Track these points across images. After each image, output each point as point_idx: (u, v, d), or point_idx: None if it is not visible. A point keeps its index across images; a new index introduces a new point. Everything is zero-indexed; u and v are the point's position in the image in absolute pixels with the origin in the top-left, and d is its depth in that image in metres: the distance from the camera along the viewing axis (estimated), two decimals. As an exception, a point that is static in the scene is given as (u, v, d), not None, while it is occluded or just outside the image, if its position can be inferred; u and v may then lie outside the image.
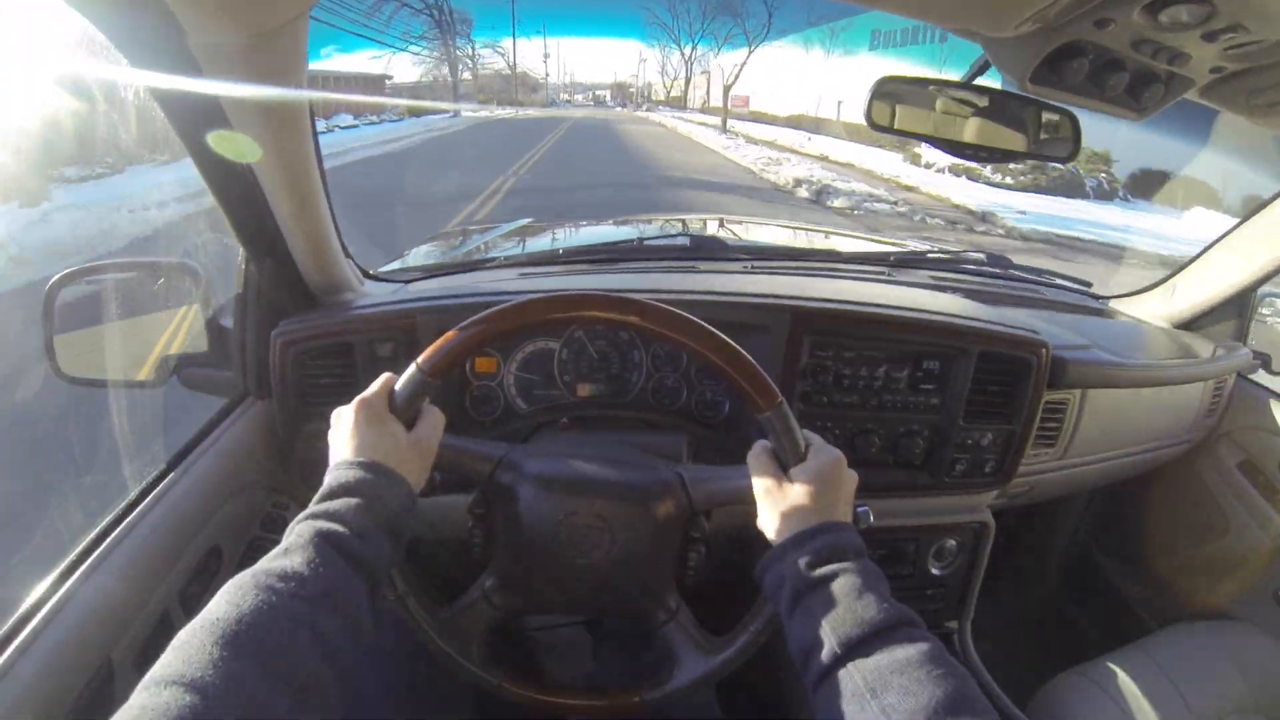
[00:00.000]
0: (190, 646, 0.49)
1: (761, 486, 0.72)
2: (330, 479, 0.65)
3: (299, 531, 0.60)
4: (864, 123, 0.90)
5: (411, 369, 0.72)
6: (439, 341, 0.73)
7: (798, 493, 0.69)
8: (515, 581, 0.82)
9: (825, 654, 0.59)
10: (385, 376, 0.74)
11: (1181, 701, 1.21)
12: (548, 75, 60.13)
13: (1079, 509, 1.83)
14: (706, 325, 0.73)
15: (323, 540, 0.59)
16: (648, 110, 53.53)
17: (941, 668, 0.55)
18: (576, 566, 0.79)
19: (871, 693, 0.54)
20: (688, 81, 53.35)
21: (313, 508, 0.63)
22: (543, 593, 0.83)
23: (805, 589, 0.63)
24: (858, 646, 0.58)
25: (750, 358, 0.72)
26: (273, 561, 0.57)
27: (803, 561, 0.64)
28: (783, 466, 0.72)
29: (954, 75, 0.89)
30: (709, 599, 0.89)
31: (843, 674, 0.57)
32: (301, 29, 0.74)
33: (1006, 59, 0.73)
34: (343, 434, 0.70)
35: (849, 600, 0.60)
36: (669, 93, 60.71)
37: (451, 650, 0.80)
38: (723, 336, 0.72)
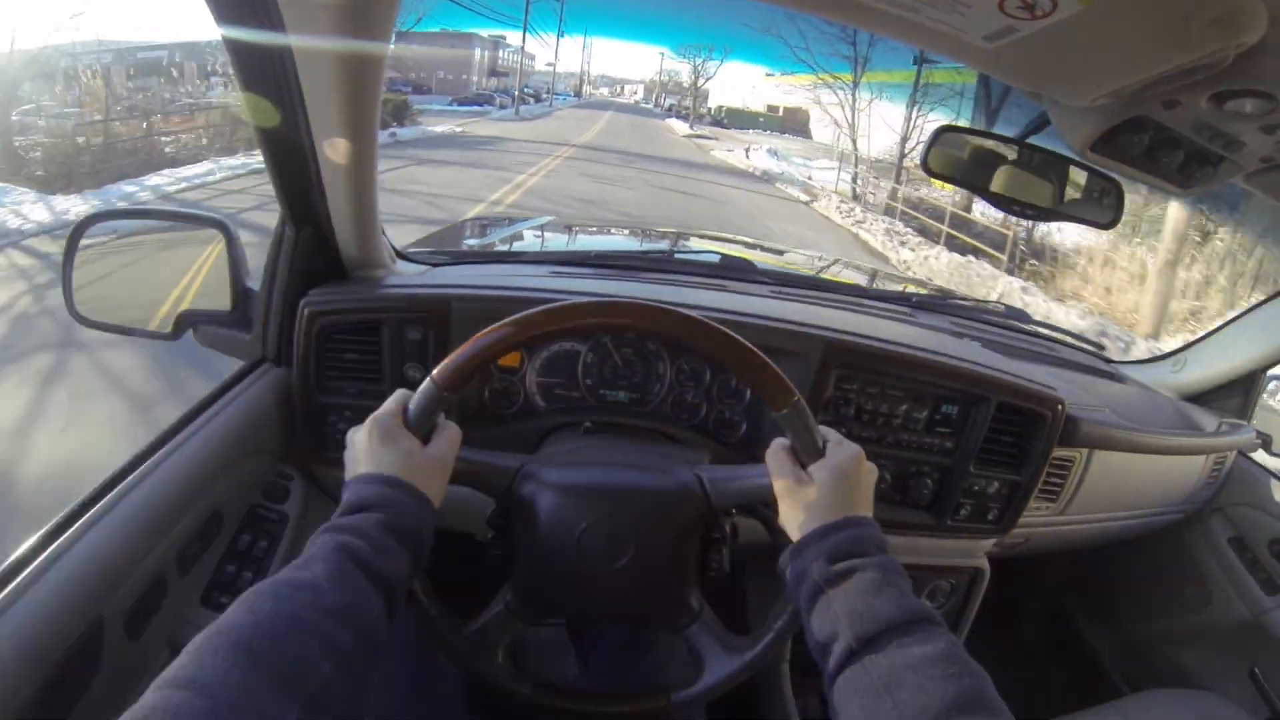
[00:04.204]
0: (204, 650, 0.49)
1: (781, 484, 0.72)
2: (349, 494, 0.66)
3: (319, 544, 0.60)
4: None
5: (426, 383, 0.71)
6: (455, 353, 0.72)
7: (818, 489, 0.69)
8: (537, 592, 0.82)
9: (841, 649, 0.59)
10: (399, 393, 0.73)
11: None
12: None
13: (1064, 566, 1.85)
14: (724, 329, 0.73)
15: (343, 554, 0.59)
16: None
17: (956, 666, 0.55)
18: (599, 574, 0.78)
19: (885, 688, 0.55)
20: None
21: (333, 521, 0.63)
22: (565, 601, 0.83)
23: (824, 584, 0.63)
24: (873, 642, 0.58)
25: (765, 357, 0.73)
26: (293, 572, 0.58)
27: (823, 556, 0.64)
28: (801, 464, 0.72)
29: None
30: (734, 598, 0.89)
31: (857, 669, 0.58)
32: None
33: (1071, 125, 0.75)
34: (358, 452, 0.70)
35: (867, 596, 0.61)
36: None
37: (478, 664, 0.80)
38: (739, 338, 0.73)
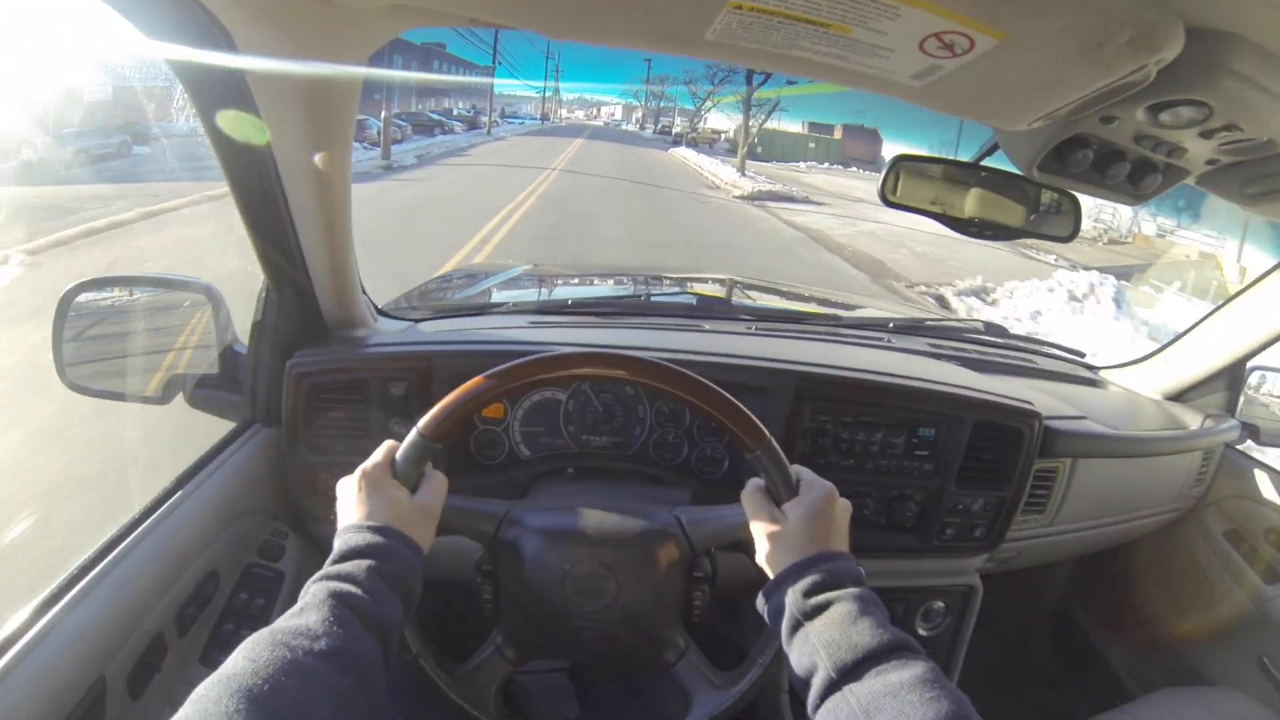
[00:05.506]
0: (207, 700, 0.50)
1: (757, 523, 0.74)
2: (340, 543, 0.67)
3: (314, 592, 0.62)
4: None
5: (412, 435, 0.74)
6: (440, 405, 0.75)
7: (792, 526, 0.71)
8: (526, 634, 0.83)
9: (821, 680, 0.60)
10: (387, 444, 0.76)
11: None
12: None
13: (1065, 574, 1.85)
14: (695, 375, 0.76)
15: (337, 601, 0.61)
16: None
17: (935, 690, 0.56)
18: (584, 615, 0.80)
19: (866, 716, 0.56)
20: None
21: (326, 569, 0.65)
22: (553, 642, 0.84)
23: (802, 617, 0.65)
24: (852, 671, 0.59)
25: (737, 402, 0.75)
26: (289, 620, 0.59)
27: (800, 591, 0.66)
28: (776, 502, 0.74)
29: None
30: (718, 636, 0.90)
31: (838, 699, 0.59)
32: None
33: (1016, 147, 0.78)
34: (348, 502, 0.72)
35: (844, 627, 0.62)
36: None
37: (469, 706, 0.81)
38: (710, 384, 0.76)
